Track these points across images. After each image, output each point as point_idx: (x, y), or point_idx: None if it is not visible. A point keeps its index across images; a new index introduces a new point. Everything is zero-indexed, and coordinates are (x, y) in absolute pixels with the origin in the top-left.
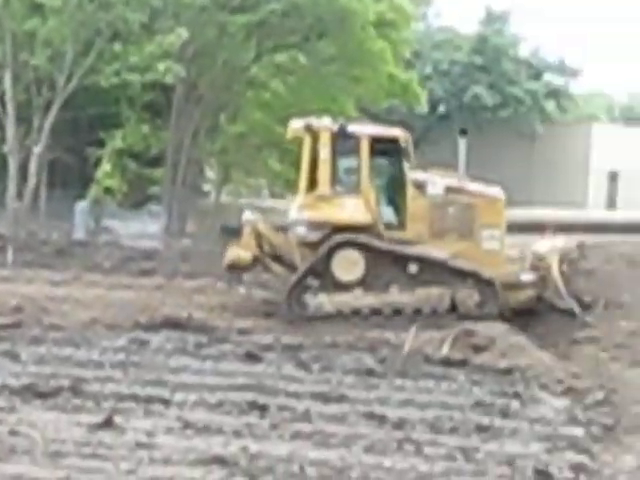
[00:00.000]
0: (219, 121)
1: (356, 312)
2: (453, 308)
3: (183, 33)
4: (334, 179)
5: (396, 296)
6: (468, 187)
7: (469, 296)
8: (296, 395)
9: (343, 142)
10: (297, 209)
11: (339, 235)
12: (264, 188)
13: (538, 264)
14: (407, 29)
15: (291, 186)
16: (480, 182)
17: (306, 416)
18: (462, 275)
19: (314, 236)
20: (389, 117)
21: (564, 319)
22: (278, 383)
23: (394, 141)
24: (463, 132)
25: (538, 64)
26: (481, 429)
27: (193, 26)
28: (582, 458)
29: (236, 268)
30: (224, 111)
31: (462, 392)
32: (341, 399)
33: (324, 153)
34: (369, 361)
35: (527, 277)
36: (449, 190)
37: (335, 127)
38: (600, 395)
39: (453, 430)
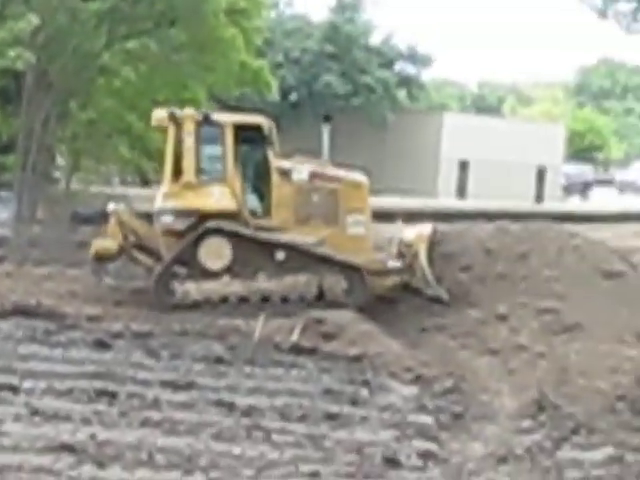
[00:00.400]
0: (69, 108)
1: (224, 300)
2: (321, 295)
3: (34, 19)
4: (199, 167)
5: (264, 283)
6: (332, 173)
7: (336, 283)
8: (145, 383)
9: (207, 130)
10: (163, 198)
11: (206, 223)
12: (115, 175)
13: (405, 251)
14: (259, 17)
15: (142, 173)
16: (345, 168)
17: (155, 403)
18: (329, 262)
19: (180, 224)
20: (241, 105)
21: (413, 307)
22: (127, 371)
23: (258, 128)
24: (327, 118)
25: (389, 52)
26: (330, 417)
27: (44, 12)
28: (431, 446)
29: (102, 258)
30: (75, 98)
31: (311, 380)
32: (190, 386)
33: (188, 142)
34: (218, 349)
35: (394, 264)
36: (313, 176)
37: (199, 115)
38: (449, 383)
39: (302, 418)
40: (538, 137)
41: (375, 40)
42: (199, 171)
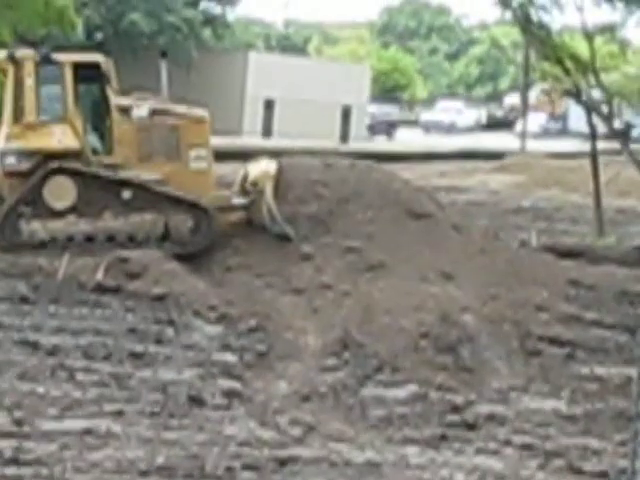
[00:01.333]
0: None
1: (70, 239)
2: (167, 235)
3: None
4: (40, 107)
5: (110, 222)
6: (173, 109)
7: (183, 222)
8: None
9: (46, 70)
10: (5, 139)
11: (50, 163)
12: None
13: (250, 188)
14: None
15: None
16: (186, 104)
17: None
18: (176, 201)
19: (24, 165)
20: (46, 44)
21: (218, 245)
22: None
23: (96, 67)
24: (163, 54)
25: None
26: (134, 356)
27: None
28: (235, 384)
29: None
30: None
31: (116, 319)
32: None
33: (29, 82)
34: (22, 288)
35: (238, 200)
36: (154, 113)
37: (38, 55)
38: (253, 322)
39: (106, 357)
40: (344, 77)
41: None
42: (40, 111)
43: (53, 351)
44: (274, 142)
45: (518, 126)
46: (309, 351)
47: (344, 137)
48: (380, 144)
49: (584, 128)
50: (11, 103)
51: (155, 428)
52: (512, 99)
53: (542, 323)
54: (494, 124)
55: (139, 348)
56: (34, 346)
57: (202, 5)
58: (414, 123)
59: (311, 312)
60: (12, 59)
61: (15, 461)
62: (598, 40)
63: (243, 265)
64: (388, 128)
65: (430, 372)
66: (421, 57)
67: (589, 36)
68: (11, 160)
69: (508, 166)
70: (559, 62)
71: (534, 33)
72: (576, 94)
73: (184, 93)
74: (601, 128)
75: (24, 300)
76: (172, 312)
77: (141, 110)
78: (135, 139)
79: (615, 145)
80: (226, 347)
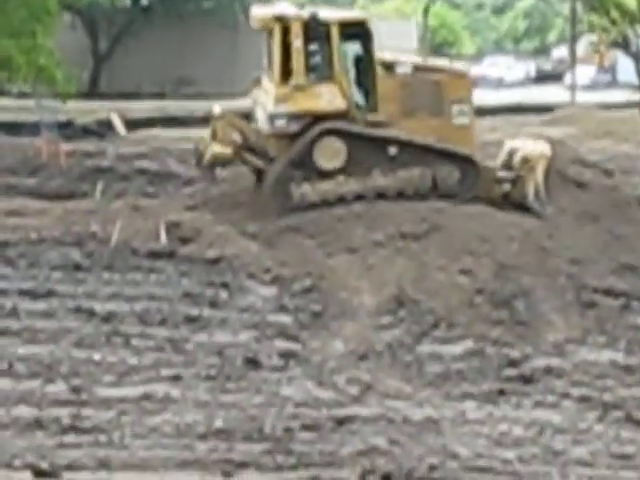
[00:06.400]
0: None
1: (341, 199)
2: (434, 187)
3: None
4: (308, 68)
5: (378, 180)
6: (435, 64)
7: (450, 174)
8: (3, 292)
9: (314, 30)
10: (274, 101)
11: (321, 124)
12: None
13: (517, 164)
14: None
15: None
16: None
17: (14, 313)
18: (442, 154)
19: (293, 127)
20: (92, 12)
21: (269, 209)
22: None
23: (362, 24)
24: None
25: None
26: (190, 320)
27: None
28: (291, 345)
29: (217, 163)
30: None
31: (170, 284)
32: (49, 295)
33: (297, 42)
34: (76, 255)
35: (504, 173)
36: (417, 69)
37: (306, 15)
38: (307, 282)
39: (162, 322)
40: (391, 34)
41: None
42: (308, 72)
43: (108, 318)
44: None
45: (567, 79)
46: (364, 310)
47: None
48: None
49: (633, 79)
50: (279, 63)
51: (212, 391)
52: (560, 52)
53: (597, 275)
54: (543, 77)
55: (194, 312)
56: (89, 313)
57: None
58: None
59: (365, 270)
60: (279, 19)
61: (74, 428)
62: None
63: (294, 226)
64: None
65: (486, 327)
66: (467, 12)
67: None
68: (281, 122)
69: (558, 119)
70: (606, 13)
71: None
72: (624, 45)
73: (231, 57)
74: None
75: (78, 267)
76: (226, 275)
77: (405, 66)
78: (399, 95)
79: None
80: (281, 308)
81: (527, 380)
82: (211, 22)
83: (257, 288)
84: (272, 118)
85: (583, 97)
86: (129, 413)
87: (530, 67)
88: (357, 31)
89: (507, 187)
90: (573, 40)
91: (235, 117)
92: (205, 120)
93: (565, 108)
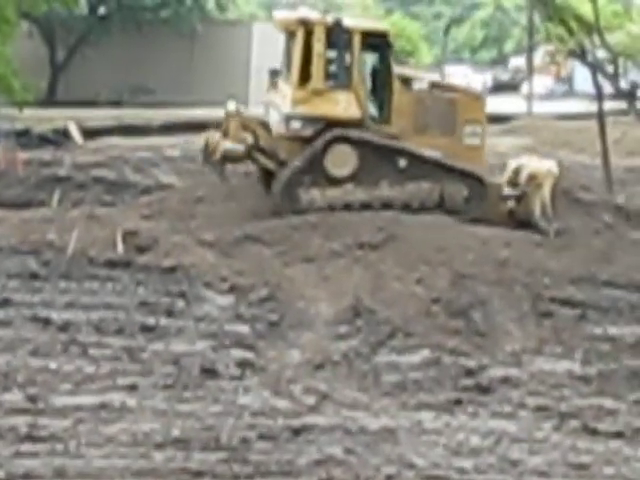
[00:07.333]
0: None
1: (347, 207)
2: (441, 203)
3: None
4: (327, 74)
5: (386, 191)
6: (452, 84)
7: (458, 191)
8: None
9: (336, 36)
10: (292, 103)
11: (334, 130)
12: None
13: (524, 181)
14: None
15: None
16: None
17: None
18: (451, 171)
19: (307, 131)
20: (49, 21)
21: (228, 216)
22: None
23: (384, 35)
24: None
25: None
26: (147, 329)
27: None
28: (248, 355)
29: (228, 160)
30: None
31: (127, 293)
32: (5, 303)
33: (318, 47)
34: (33, 264)
35: (510, 191)
36: (434, 86)
37: (330, 21)
38: (264, 292)
39: (118, 331)
40: None
41: None
42: (327, 77)
43: (65, 326)
44: None
45: (524, 89)
46: (321, 319)
47: None
48: None
49: (590, 89)
50: (298, 66)
51: (169, 400)
52: (518, 62)
53: (553, 285)
54: (500, 87)
55: (151, 321)
56: (46, 322)
57: None
58: None
59: (322, 280)
60: (303, 22)
61: (30, 437)
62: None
63: (252, 235)
64: None
65: (442, 337)
66: (425, 22)
67: None
68: (296, 125)
69: (516, 128)
70: (563, 23)
71: None
72: (581, 55)
73: (189, 65)
74: (607, 89)
75: (34, 276)
76: (183, 284)
77: (422, 82)
78: (413, 110)
79: (621, 105)
80: (238, 317)
81: (484, 390)
82: (169, 31)
83: (214, 297)
84: (288, 119)
85: (540, 107)
86: (85, 422)
87: (487, 77)
88: (378, 42)
89: (512, 204)
90: (530, 50)
91: (248, 116)
92: (163, 128)
93: (522, 118)
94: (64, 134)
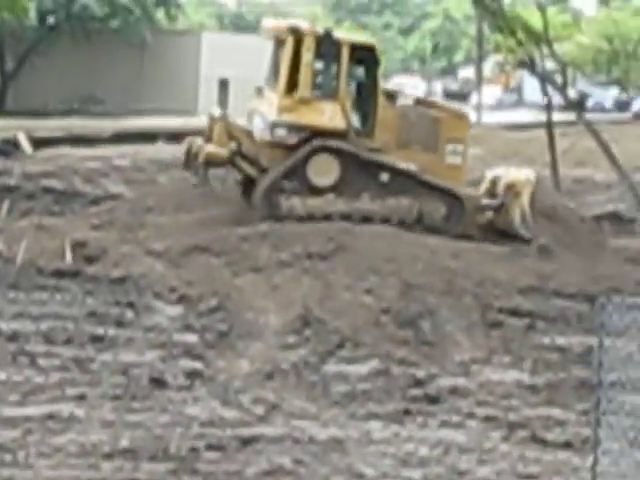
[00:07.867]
0: None
1: (327, 217)
2: (419, 220)
3: None
4: (314, 83)
5: (367, 204)
6: (437, 102)
7: (436, 209)
8: None
9: (326, 47)
10: (277, 111)
11: (318, 139)
12: None
13: (502, 191)
14: None
15: None
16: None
17: None
18: (431, 188)
19: (292, 139)
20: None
21: (176, 227)
22: None
23: (372, 50)
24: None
25: None
26: (95, 339)
27: None
28: (197, 365)
29: (212, 164)
30: None
31: (75, 303)
32: None
33: (307, 57)
34: None
35: (489, 201)
36: (418, 102)
37: (320, 31)
38: (213, 302)
39: (67, 341)
40: None
41: None
42: (314, 87)
43: (13, 337)
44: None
45: (473, 99)
46: (270, 329)
47: None
48: None
49: (539, 99)
50: (286, 75)
51: (118, 411)
52: (467, 72)
53: (502, 295)
54: (449, 97)
55: (100, 331)
56: None
57: None
58: None
59: (271, 290)
60: (293, 31)
61: None
62: (551, 10)
63: (201, 245)
64: None
65: (391, 347)
66: (375, 32)
67: (541, 6)
68: (281, 132)
69: None
70: (512, 33)
71: (486, 5)
72: (530, 65)
73: (138, 75)
74: (556, 99)
75: None
76: (132, 294)
77: (406, 98)
78: (396, 126)
79: (570, 115)
80: (187, 328)
81: (432, 400)
82: (118, 41)
83: (163, 307)
84: (273, 126)
85: (489, 117)
86: (34, 432)
87: (436, 87)
88: (366, 56)
89: (490, 215)
90: (480, 60)
91: (232, 122)
92: (112, 138)
93: (472, 128)
94: (14, 144)
